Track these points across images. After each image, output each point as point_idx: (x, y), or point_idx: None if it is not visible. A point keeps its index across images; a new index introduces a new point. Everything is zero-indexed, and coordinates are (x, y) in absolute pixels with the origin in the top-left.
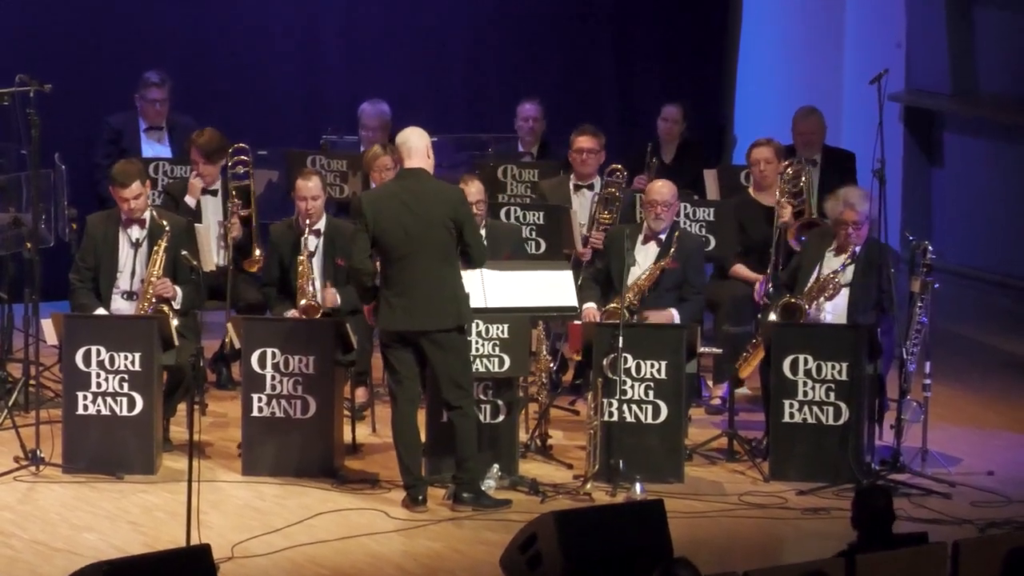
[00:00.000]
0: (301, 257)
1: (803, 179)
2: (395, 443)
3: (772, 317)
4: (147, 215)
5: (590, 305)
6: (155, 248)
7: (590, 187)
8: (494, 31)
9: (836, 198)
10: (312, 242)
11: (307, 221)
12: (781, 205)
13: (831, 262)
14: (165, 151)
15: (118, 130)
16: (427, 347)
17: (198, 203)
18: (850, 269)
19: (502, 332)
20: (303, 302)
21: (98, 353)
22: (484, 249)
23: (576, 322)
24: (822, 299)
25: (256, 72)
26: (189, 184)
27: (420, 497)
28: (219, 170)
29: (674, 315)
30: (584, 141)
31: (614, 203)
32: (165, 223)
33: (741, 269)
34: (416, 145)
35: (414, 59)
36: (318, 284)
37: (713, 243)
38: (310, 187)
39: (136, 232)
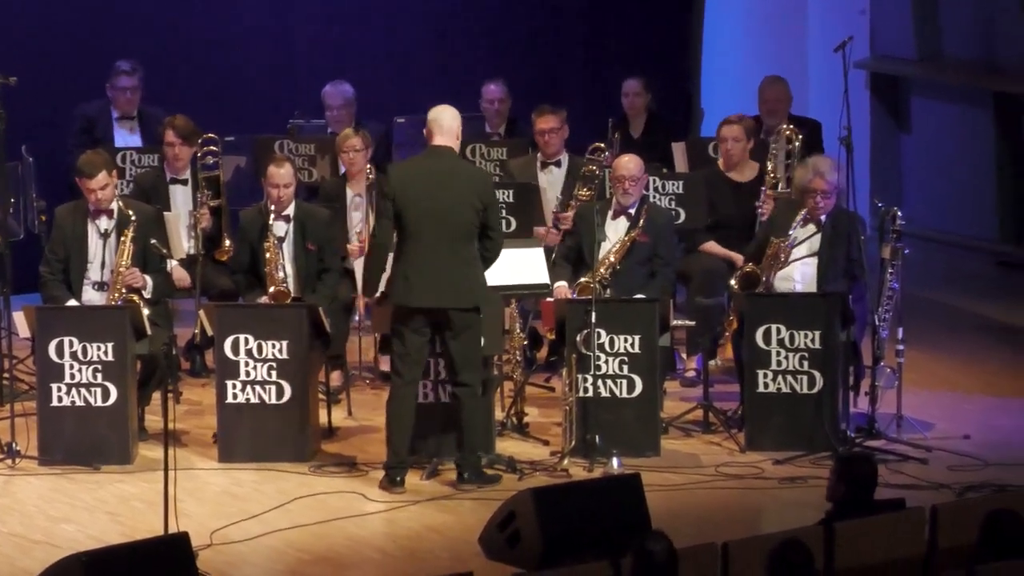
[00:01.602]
0: (268, 243)
1: (795, 144)
2: (388, 421)
3: (732, 283)
4: (115, 205)
5: (561, 284)
6: (122, 238)
7: (557, 164)
8: (459, 10)
9: (805, 167)
10: (282, 227)
11: (277, 207)
12: (767, 196)
13: (798, 232)
14: (136, 141)
15: (91, 119)
16: (447, 324)
17: (167, 192)
18: (817, 238)
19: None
20: (272, 288)
21: (71, 344)
22: (502, 236)
23: (548, 299)
24: (777, 267)
25: (222, 59)
26: (200, 215)
27: (399, 479)
28: (190, 156)
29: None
30: (544, 122)
31: (593, 181)
32: (132, 213)
33: (713, 246)
34: (448, 123)
35: (379, 41)
36: (289, 269)
37: (683, 216)
38: (282, 174)
39: (104, 223)
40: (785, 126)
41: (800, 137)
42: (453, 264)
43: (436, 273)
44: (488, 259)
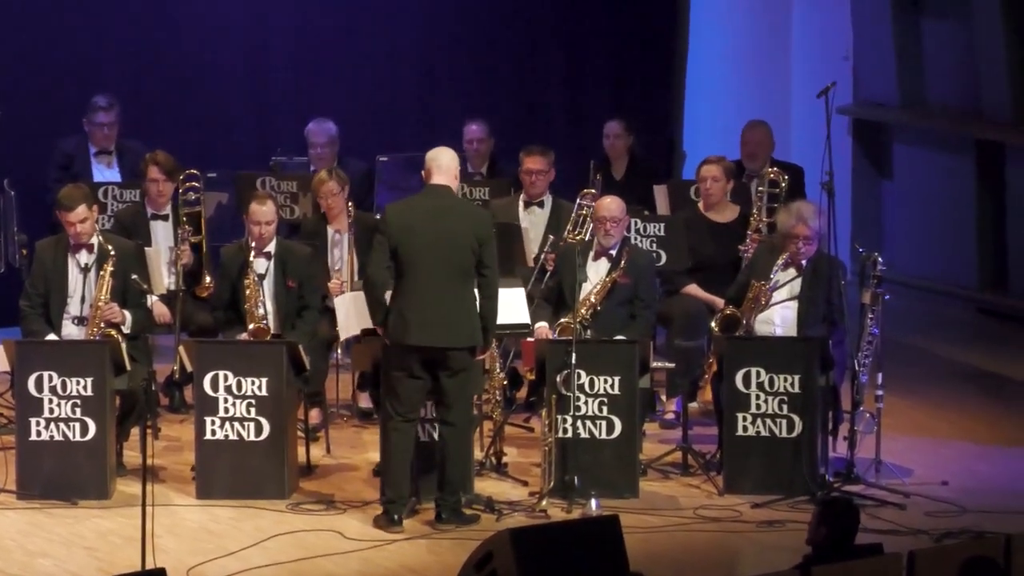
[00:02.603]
0: (247, 280)
1: (781, 186)
2: (387, 458)
3: (713, 325)
4: (95, 240)
5: (542, 324)
6: (102, 272)
7: (540, 204)
8: (443, 51)
9: (788, 212)
10: (262, 264)
11: (258, 245)
12: (752, 239)
13: (779, 276)
14: (114, 175)
15: (69, 154)
16: (441, 363)
17: (148, 227)
18: (798, 282)
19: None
20: (252, 325)
21: (50, 379)
22: (498, 275)
23: (529, 339)
24: (758, 310)
25: (205, 95)
26: (181, 251)
27: (397, 516)
28: (172, 192)
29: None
30: (532, 162)
31: (584, 224)
32: (111, 247)
33: (694, 289)
34: (446, 164)
35: (363, 79)
36: (269, 306)
37: (664, 258)
38: (264, 211)
39: (84, 257)
40: (769, 169)
41: (786, 179)
42: (450, 303)
43: (434, 311)
44: (489, 298)
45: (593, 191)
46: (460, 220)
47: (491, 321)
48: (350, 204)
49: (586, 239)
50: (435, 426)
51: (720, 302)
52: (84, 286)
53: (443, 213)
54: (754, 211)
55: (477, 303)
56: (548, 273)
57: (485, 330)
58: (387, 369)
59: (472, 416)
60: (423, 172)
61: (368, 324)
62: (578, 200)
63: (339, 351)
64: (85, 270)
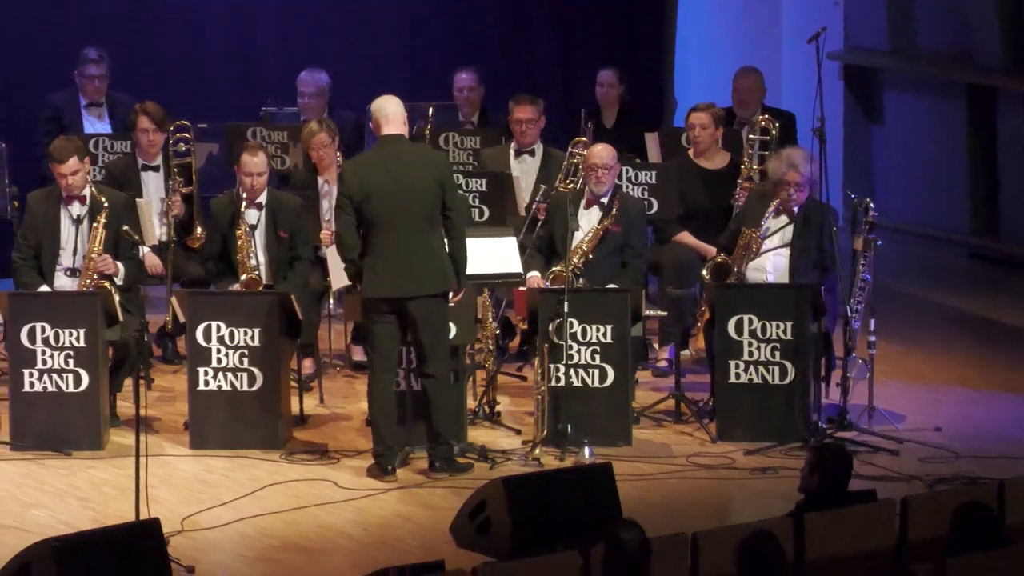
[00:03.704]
0: (239, 231)
1: (772, 133)
2: (371, 411)
3: (704, 273)
4: (87, 192)
5: (534, 273)
6: (95, 224)
7: (531, 153)
8: None
9: (779, 158)
10: (253, 215)
11: (250, 196)
12: (743, 187)
13: (771, 223)
14: (105, 127)
15: (58, 107)
16: (412, 313)
17: (139, 178)
18: (789, 229)
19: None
20: (244, 276)
21: (43, 330)
22: (466, 213)
23: (521, 288)
24: (749, 257)
25: (194, 46)
26: (172, 202)
27: (389, 467)
28: (163, 143)
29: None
30: (521, 111)
31: (576, 173)
32: (104, 199)
33: (686, 236)
34: (393, 112)
35: (352, 29)
36: (261, 257)
37: (656, 206)
38: (256, 163)
39: (77, 209)
40: (760, 116)
41: (776, 127)
42: (418, 251)
43: (400, 262)
44: (455, 239)
45: (584, 139)
46: (418, 168)
47: (462, 262)
48: (339, 155)
49: (578, 187)
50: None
51: (711, 250)
52: (77, 238)
53: (400, 163)
54: (745, 159)
55: (445, 247)
56: (540, 222)
57: (457, 272)
58: (364, 318)
59: (458, 364)
60: (371, 124)
61: None
62: (569, 149)
63: (331, 301)
64: (78, 222)
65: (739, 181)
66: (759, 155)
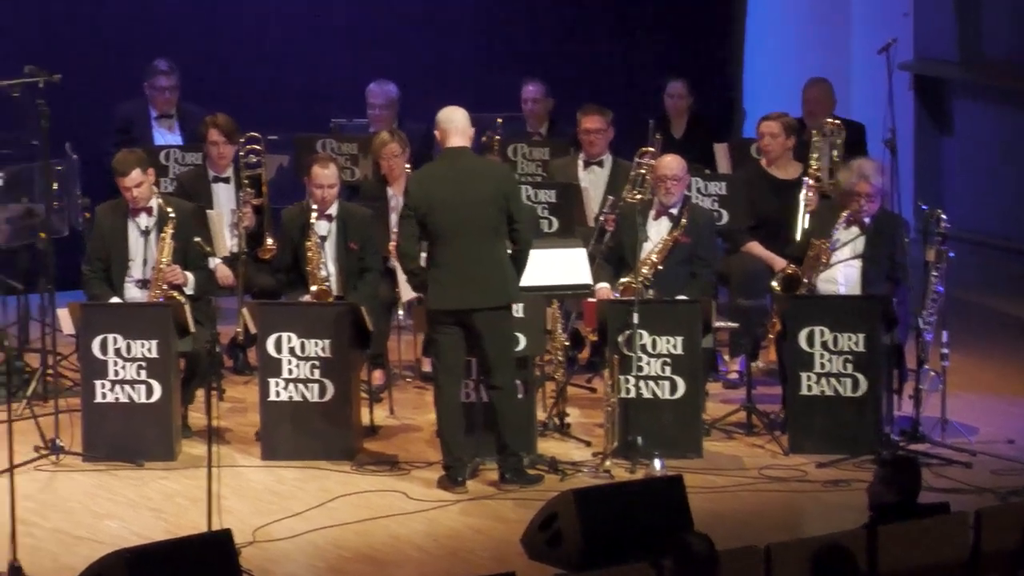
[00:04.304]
0: (309, 243)
1: (838, 142)
2: (438, 423)
3: (774, 284)
4: (154, 203)
5: (604, 285)
6: (162, 235)
7: (600, 164)
8: (499, 9)
9: (849, 169)
10: (324, 227)
11: (320, 207)
12: (808, 186)
13: (841, 234)
14: (176, 139)
15: (128, 119)
16: (477, 325)
17: (210, 190)
18: (861, 240)
19: (517, 311)
20: (315, 287)
21: (115, 341)
22: (532, 227)
23: (591, 299)
24: (820, 268)
25: (263, 57)
26: (243, 214)
27: (460, 478)
28: (233, 154)
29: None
30: (589, 122)
31: (643, 183)
32: (170, 210)
33: (756, 247)
34: (459, 124)
35: (420, 40)
36: (331, 268)
37: (725, 217)
38: (327, 174)
39: (144, 220)
40: (829, 120)
41: (842, 129)
42: (481, 263)
43: (465, 274)
44: (519, 251)
45: (652, 150)
46: (482, 180)
47: (520, 274)
48: (409, 166)
49: (645, 197)
50: (487, 388)
51: (781, 262)
52: (145, 249)
53: (464, 175)
54: (811, 160)
55: (509, 259)
56: (607, 233)
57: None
58: (430, 334)
59: (528, 375)
60: (436, 134)
61: None
62: (636, 159)
63: (401, 312)
64: (145, 233)
65: (805, 180)
66: (828, 156)
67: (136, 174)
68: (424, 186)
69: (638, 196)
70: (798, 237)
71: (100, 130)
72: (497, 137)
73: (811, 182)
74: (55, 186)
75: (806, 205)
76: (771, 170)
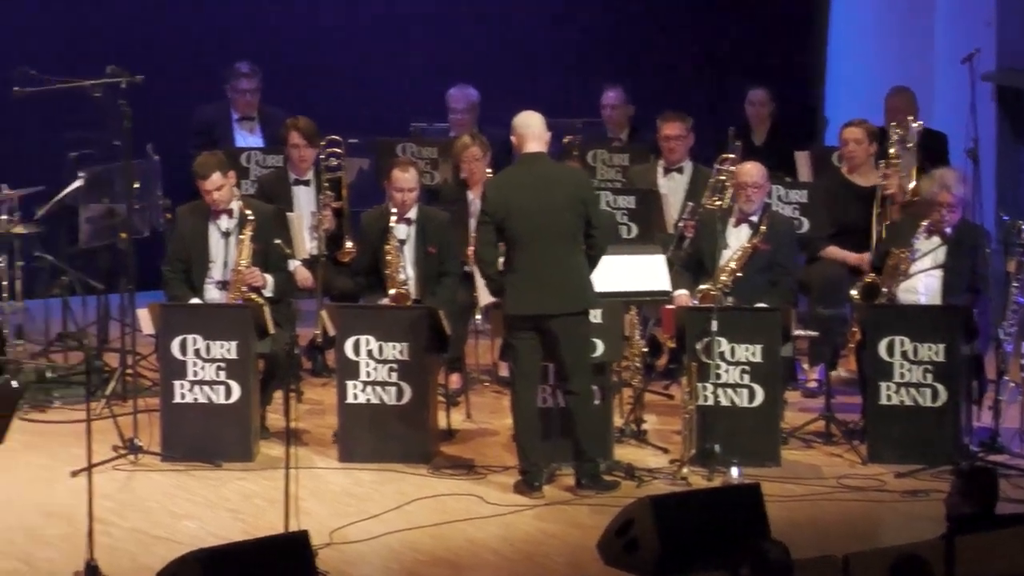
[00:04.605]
0: (388, 246)
1: (911, 145)
2: (515, 428)
3: (854, 293)
4: (235, 205)
5: (683, 292)
6: (241, 237)
7: (679, 171)
8: (581, 14)
9: (931, 179)
10: (403, 230)
11: (400, 211)
12: (887, 176)
13: (922, 244)
14: (257, 141)
15: (210, 121)
16: (554, 330)
17: (290, 193)
18: (942, 250)
19: (595, 317)
20: (393, 290)
21: (194, 342)
22: (609, 233)
23: (669, 306)
24: (900, 278)
25: (344, 61)
26: (323, 216)
27: (536, 483)
28: (314, 157)
29: None
30: (669, 128)
31: (722, 190)
32: (250, 212)
33: (834, 250)
34: (536, 129)
35: (500, 45)
36: (410, 272)
37: (806, 225)
38: (407, 178)
39: (225, 222)
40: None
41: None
42: (558, 269)
43: (542, 280)
44: (594, 257)
45: (732, 156)
46: (560, 185)
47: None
48: (489, 171)
49: (725, 204)
50: (563, 393)
51: (858, 258)
52: (226, 251)
53: (542, 181)
54: (891, 151)
55: (586, 264)
56: (687, 240)
57: None
58: (507, 339)
59: (605, 382)
60: (513, 139)
61: None
62: (716, 165)
63: (479, 317)
64: (226, 235)
65: (882, 170)
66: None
67: (216, 177)
68: (501, 192)
69: (718, 203)
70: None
71: (182, 131)
72: (578, 142)
73: (886, 171)
74: (136, 186)
75: (885, 189)
76: (852, 178)
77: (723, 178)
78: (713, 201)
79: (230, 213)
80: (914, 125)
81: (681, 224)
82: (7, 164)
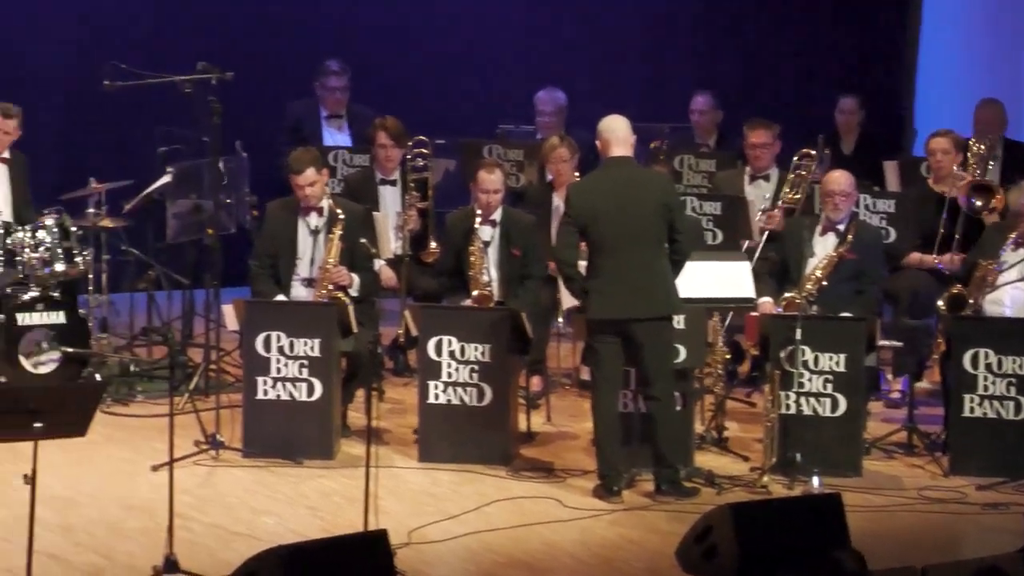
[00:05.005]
0: (472, 247)
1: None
2: (595, 432)
3: (940, 304)
4: (324, 203)
5: (766, 299)
6: (331, 236)
7: (766, 178)
8: (670, 20)
9: (1020, 190)
10: (487, 232)
11: (485, 213)
12: (958, 175)
13: (1009, 256)
14: (345, 139)
15: (299, 118)
16: (638, 335)
17: (376, 192)
18: None
19: (678, 322)
20: (476, 291)
21: (278, 339)
22: (694, 238)
23: (753, 313)
24: (986, 290)
25: (433, 61)
26: (408, 216)
27: (615, 488)
28: (400, 158)
29: None
30: (756, 136)
31: (800, 185)
32: (340, 211)
33: (916, 256)
34: (621, 133)
35: (590, 48)
36: (493, 274)
37: (893, 235)
38: (493, 180)
39: (314, 220)
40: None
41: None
42: (643, 273)
43: (625, 284)
44: (678, 262)
45: (812, 153)
46: (644, 190)
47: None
48: (576, 174)
49: (803, 199)
50: (645, 399)
51: (929, 259)
52: (314, 248)
53: (626, 185)
54: (968, 169)
55: (670, 269)
56: (765, 236)
57: None
58: (590, 343)
59: (687, 388)
60: (598, 143)
61: None
62: (795, 160)
63: (561, 320)
64: (315, 233)
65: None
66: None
67: (311, 173)
68: (585, 195)
69: (796, 197)
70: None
71: (270, 129)
72: (664, 147)
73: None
74: (224, 183)
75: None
76: (939, 188)
77: (803, 172)
78: (792, 196)
79: (320, 211)
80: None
81: (763, 216)
82: (96, 158)
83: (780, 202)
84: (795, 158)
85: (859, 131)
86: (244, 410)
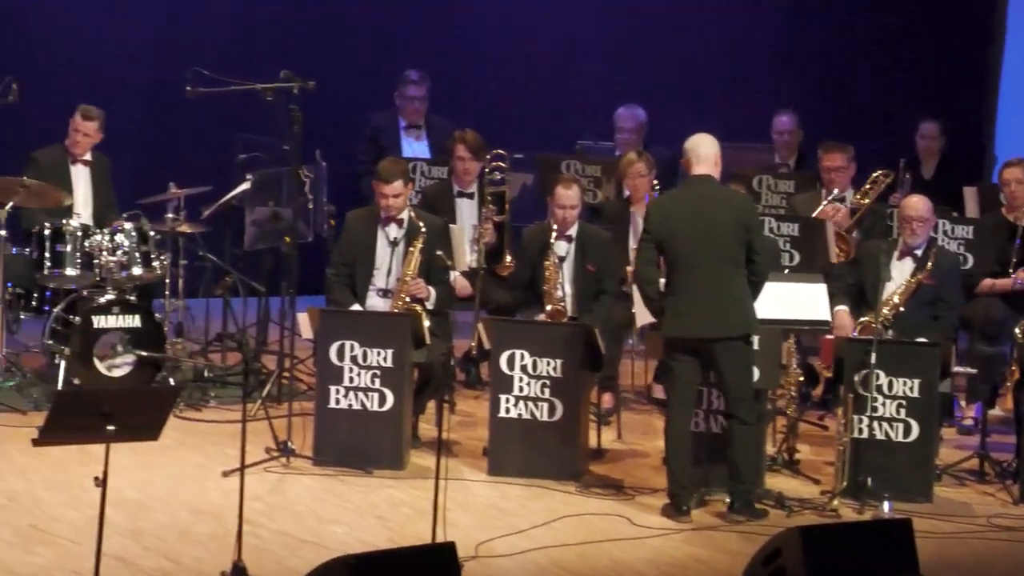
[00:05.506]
0: (548, 262)
1: None
2: (666, 450)
3: (1017, 332)
4: (405, 215)
5: (842, 307)
6: (411, 248)
7: (841, 200)
8: (753, 40)
9: None
10: (563, 247)
11: (561, 228)
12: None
13: None
14: (423, 150)
15: (378, 128)
16: (715, 354)
17: (453, 204)
18: None
19: (753, 343)
20: (550, 306)
21: (351, 348)
22: (771, 259)
23: (828, 336)
24: None
25: (514, 75)
26: (484, 230)
27: (684, 507)
28: (478, 171)
29: None
30: (830, 159)
31: (871, 192)
32: (422, 224)
33: (987, 282)
34: (706, 152)
35: (671, 68)
36: (567, 289)
37: (971, 261)
38: (570, 195)
39: (394, 231)
40: None
41: None
42: (720, 293)
43: (703, 303)
44: (755, 284)
45: (884, 172)
46: (724, 210)
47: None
48: (655, 189)
49: (874, 200)
50: (724, 417)
51: (1003, 283)
52: (391, 259)
53: (706, 204)
54: None
55: (748, 289)
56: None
57: None
58: (665, 361)
59: (760, 409)
60: (683, 162)
61: None
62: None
63: (634, 337)
64: (393, 244)
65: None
66: None
67: (399, 184)
68: (663, 212)
69: (866, 201)
70: None
71: (349, 139)
72: (745, 168)
73: None
74: (303, 191)
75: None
76: (1011, 216)
77: (877, 185)
78: (860, 200)
79: (400, 222)
80: None
81: (827, 204)
82: (175, 163)
83: (848, 202)
84: (868, 183)
85: (940, 156)
86: (316, 418)
